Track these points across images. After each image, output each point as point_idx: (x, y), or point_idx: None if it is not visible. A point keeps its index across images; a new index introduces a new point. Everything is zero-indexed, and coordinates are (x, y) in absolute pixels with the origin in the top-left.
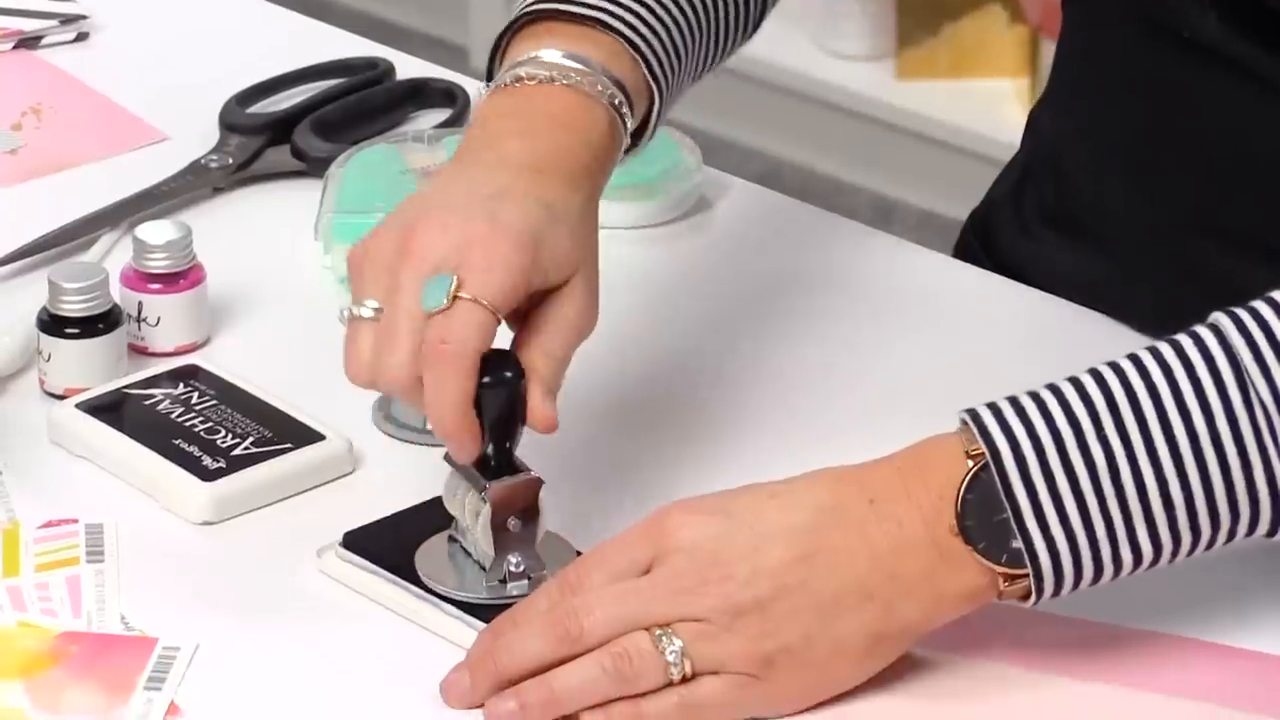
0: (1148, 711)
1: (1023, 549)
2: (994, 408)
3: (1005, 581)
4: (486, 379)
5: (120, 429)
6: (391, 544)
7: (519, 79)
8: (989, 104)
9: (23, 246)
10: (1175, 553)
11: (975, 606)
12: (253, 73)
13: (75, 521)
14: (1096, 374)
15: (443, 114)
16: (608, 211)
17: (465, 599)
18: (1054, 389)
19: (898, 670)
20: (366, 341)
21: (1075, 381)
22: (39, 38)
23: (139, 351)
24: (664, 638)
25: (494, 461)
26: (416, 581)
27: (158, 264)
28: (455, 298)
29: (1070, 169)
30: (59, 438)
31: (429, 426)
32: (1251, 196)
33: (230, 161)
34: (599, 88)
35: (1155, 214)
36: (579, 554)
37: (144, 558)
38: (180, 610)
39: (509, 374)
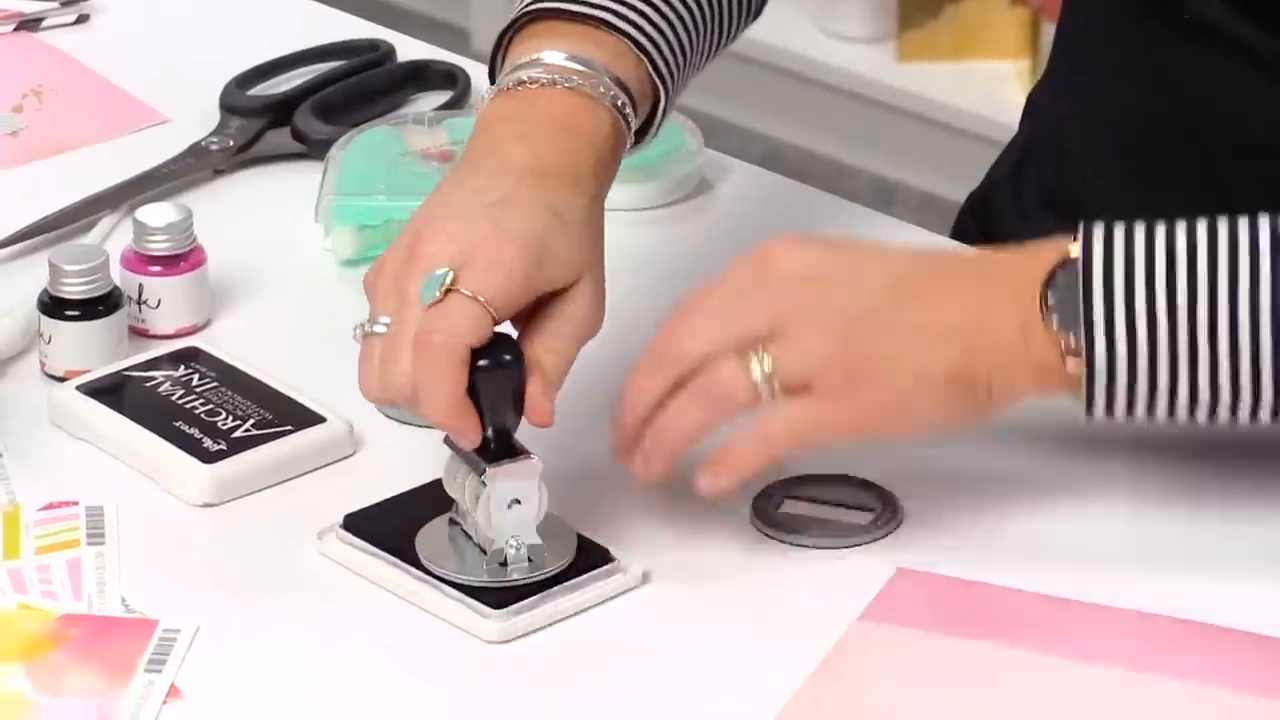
0: (1157, 696)
1: (1085, 333)
2: (1106, 223)
3: (1069, 363)
4: (484, 362)
5: (121, 411)
6: (392, 526)
7: (521, 82)
8: (990, 86)
9: (23, 229)
10: (1234, 406)
11: (1044, 385)
12: (253, 55)
13: (76, 504)
14: (1211, 219)
15: (443, 96)
16: (609, 194)
17: (465, 582)
18: (1167, 221)
19: (911, 654)
20: (377, 355)
21: (1187, 221)
22: (40, 20)
23: (139, 334)
24: (753, 356)
25: (494, 444)
26: (417, 564)
27: (158, 246)
28: (448, 291)
29: (1070, 150)
30: (59, 420)
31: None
32: (1252, 178)
33: (231, 144)
34: (601, 89)
35: (1155, 196)
36: (580, 536)
37: (144, 540)
38: (181, 592)
39: (508, 357)
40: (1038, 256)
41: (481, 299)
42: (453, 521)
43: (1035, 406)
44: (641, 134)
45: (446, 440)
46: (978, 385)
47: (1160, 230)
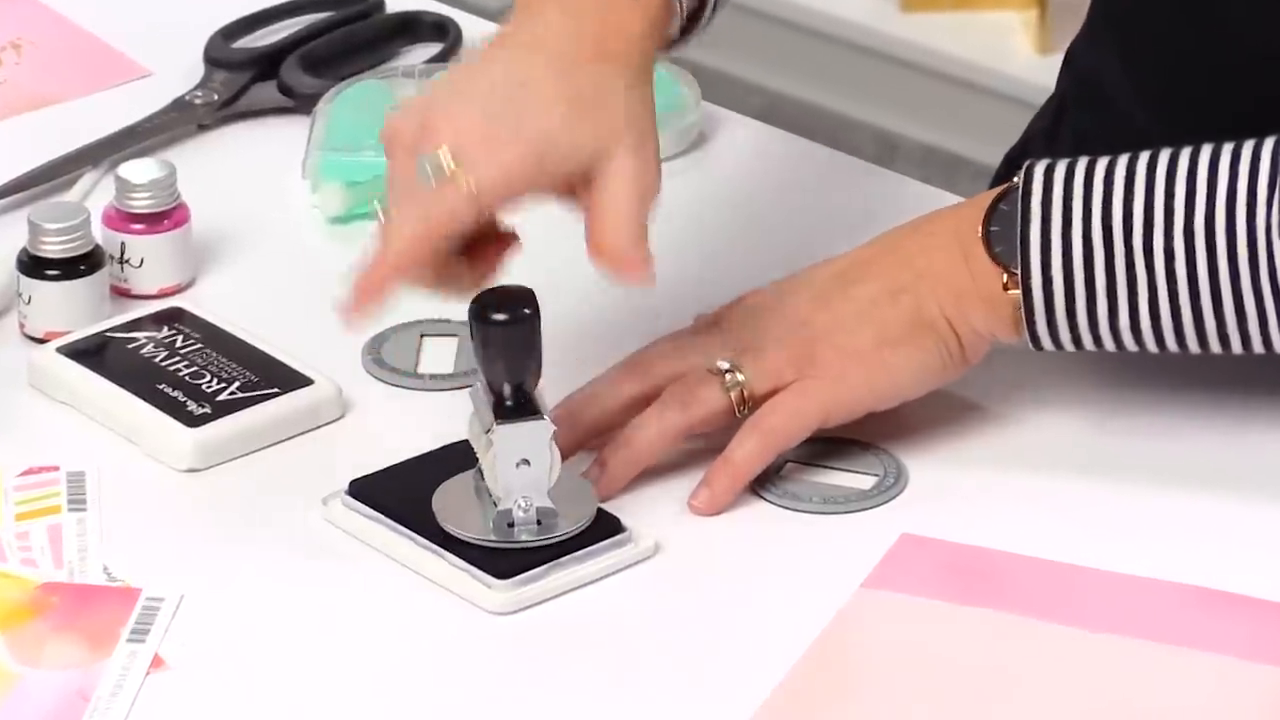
0: (1169, 666)
1: (1021, 258)
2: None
3: (1010, 292)
4: (500, 315)
5: (102, 373)
6: (399, 493)
7: None
8: (996, 37)
9: (1, 185)
10: (1178, 334)
11: (994, 317)
12: (238, 7)
13: (56, 469)
14: (1156, 149)
15: (434, 48)
16: None
17: (469, 539)
18: (1110, 159)
19: (916, 622)
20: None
21: (1132, 152)
22: None
23: (121, 294)
24: (718, 362)
25: (510, 401)
26: (424, 531)
27: (141, 204)
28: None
29: (1111, 99)
30: (39, 383)
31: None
32: None
33: (215, 98)
34: None
35: (1199, 144)
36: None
37: (127, 506)
38: (164, 560)
39: (526, 310)
40: (982, 195)
41: (470, 184)
42: (480, 475)
43: (1047, 368)
44: (693, 20)
45: (471, 391)
46: (938, 326)
47: (1103, 160)
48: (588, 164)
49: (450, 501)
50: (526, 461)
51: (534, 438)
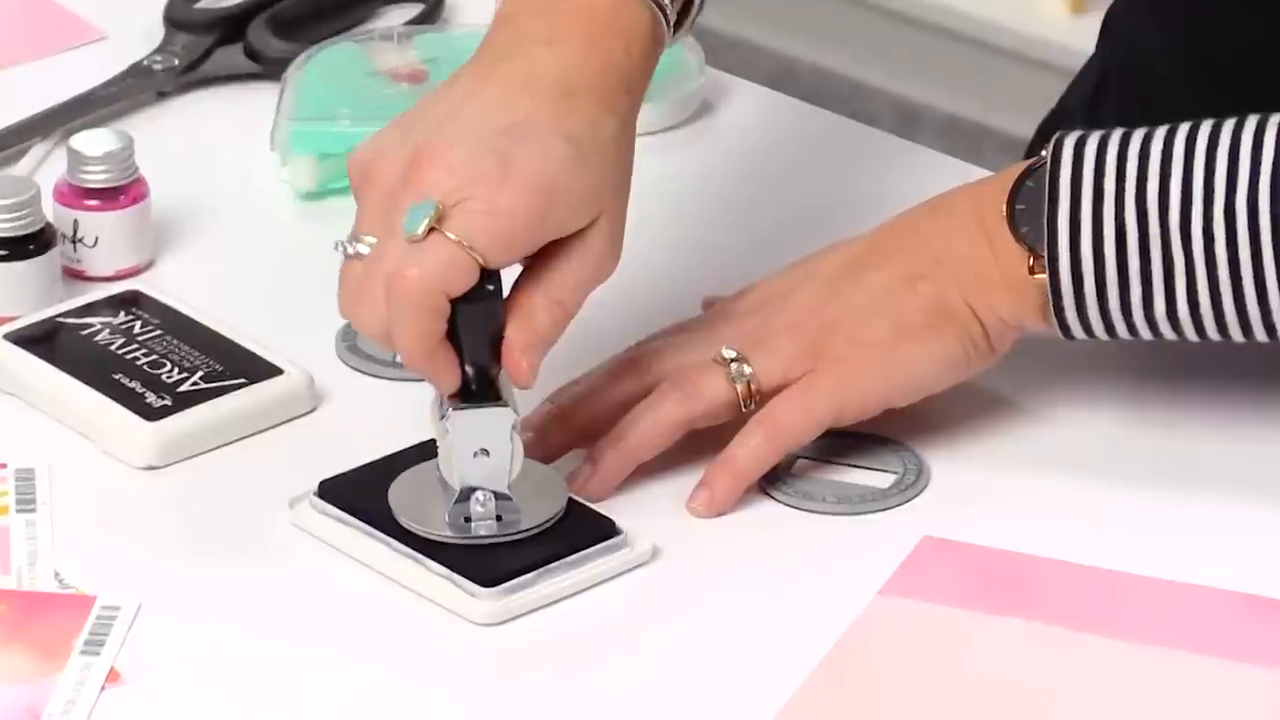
0: (1212, 679)
1: (1048, 238)
2: (1085, 131)
3: (1036, 275)
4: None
5: (54, 363)
6: (372, 494)
7: None
8: None
9: None
10: (1218, 320)
11: (1019, 302)
12: None
13: (3, 466)
14: (1195, 121)
15: (413, 9)
16: None
17: (425, 534)
18: (1148, 127)
19: (938, 632)
20: (353, 283)
21: (1169, 125)
22: None
23: (75, 276)
24: (730, 363)
25: (473, 385)
26: (402, 533)
27: (95, 178)
28: (432, 230)
29: (1154, 75)
30: None
31: (399, 360)
32: None
33: (176, 63)
34: None
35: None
36: (583, 507)
37: (80, 507)
38: (120, 566)
39: (489, 288)
40: (1006, 172)
41: (467, 244)
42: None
43: (1079, 359)
44: (676, 26)
45: None
46: (960, 314)
47: (1138, 133)
48: (587, 220)
49: (408, 493)
50: (485, 451)
51: (494, 425)
